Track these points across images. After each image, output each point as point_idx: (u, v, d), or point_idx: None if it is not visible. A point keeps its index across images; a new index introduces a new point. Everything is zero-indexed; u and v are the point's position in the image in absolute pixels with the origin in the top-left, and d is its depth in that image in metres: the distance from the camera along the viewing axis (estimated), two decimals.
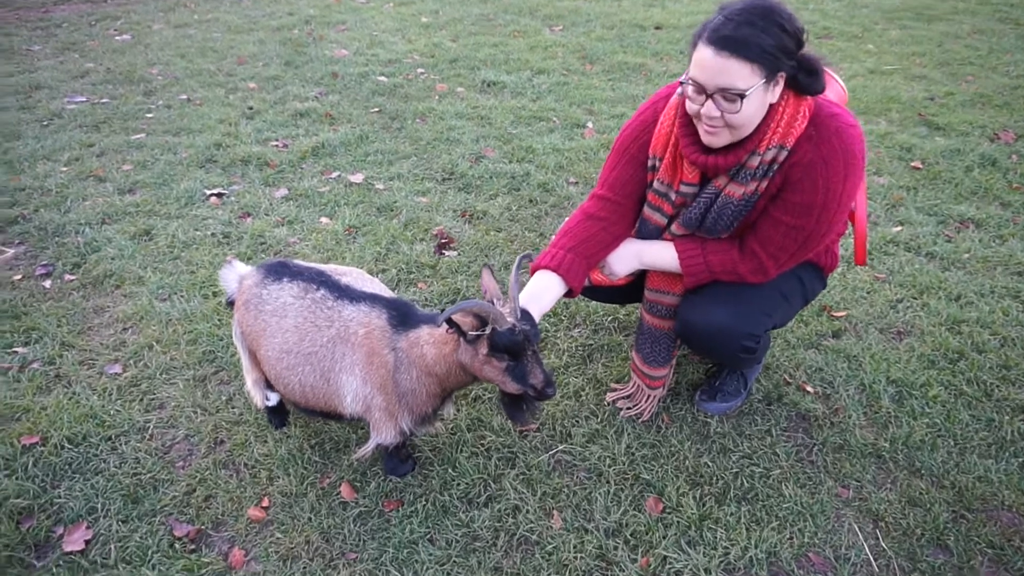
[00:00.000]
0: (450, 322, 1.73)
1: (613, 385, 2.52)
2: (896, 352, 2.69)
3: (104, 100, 5.23)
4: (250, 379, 2.25)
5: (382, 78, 5.57)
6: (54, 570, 1.94)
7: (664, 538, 2.00)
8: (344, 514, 2.09)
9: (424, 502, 2.12)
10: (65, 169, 4.20)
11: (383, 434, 2.04)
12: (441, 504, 2.11)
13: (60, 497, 2.15)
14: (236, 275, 2.22)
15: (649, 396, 2.39)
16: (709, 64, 1.68)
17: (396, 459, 2.20)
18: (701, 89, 1.73)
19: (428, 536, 2.03)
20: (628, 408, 2.41)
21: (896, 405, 2.45)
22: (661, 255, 2.07)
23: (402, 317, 1.95)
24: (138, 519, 2.09)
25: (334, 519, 2.08)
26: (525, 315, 1.79)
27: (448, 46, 6.36)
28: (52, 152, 4.40)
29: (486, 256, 3.31)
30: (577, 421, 2.40)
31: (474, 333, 1.75)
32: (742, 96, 1.68)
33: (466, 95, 5.28)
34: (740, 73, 1.67)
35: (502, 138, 4.52)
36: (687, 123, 1.89)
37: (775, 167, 1.85)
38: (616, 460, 2.24)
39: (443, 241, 3.40)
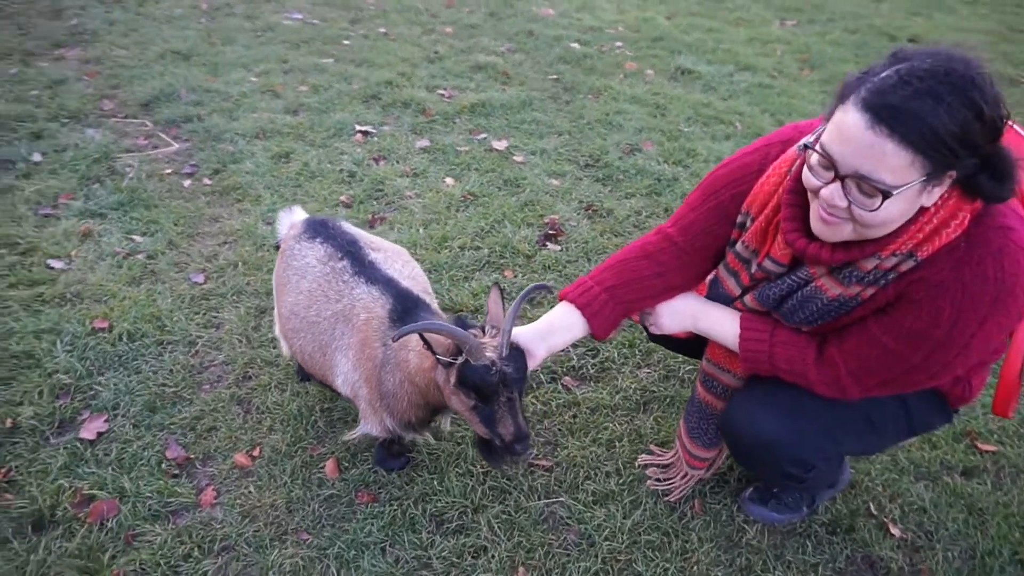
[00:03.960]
0: (423, 338, 1.53)
1: (653, 447, 2.18)
2: None
3: (315, 21, 5.53)
4: (278, 327, 2.22)
5: (575, 45, 5.32)
6: (60, 450, 2.07)
7: None
8: (317, 491, 2.01)
9: (395, 507, 1.97)
10: (254, 79, 4.50)
11: (369, 425, 1.91)
12: (410, 517, 1.95)
13: (99, 385, 2.29)
14: (290, 222, 2.18)
15: (686, 475, 2.02)
16: (855, 137, 1.19)
17: (387, 452, 2.07)
18: (831, 165, 1.26)
19: (382, 545, 1.88)
20: (658, 480, 2.07)
21: None
22: (721, 325, 1.67)
23: (405, 312, 1.78)
24: (146, 428, 2.17)
25: (306, 492, 2.00)
26: (514, 355, 1.53)
27: (659, 23, 5.92)
28: (251, 62, 4.73)
29: (588, 260, 3.02)
30: (594, 474, 2.10)
31: (447, 359, 1.53)
32: (886, 195, 1.21)
33: (653, 79, 4.87)
34: (894, 162, 1.18)
35: (668, 133, 4.11)
36: (798, 189, 1.42)
37: (892, 276, 1.37)
38: (615, 535, 1.92)
39: (551, 232, 3.16)
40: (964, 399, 1.62)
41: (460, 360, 1.50)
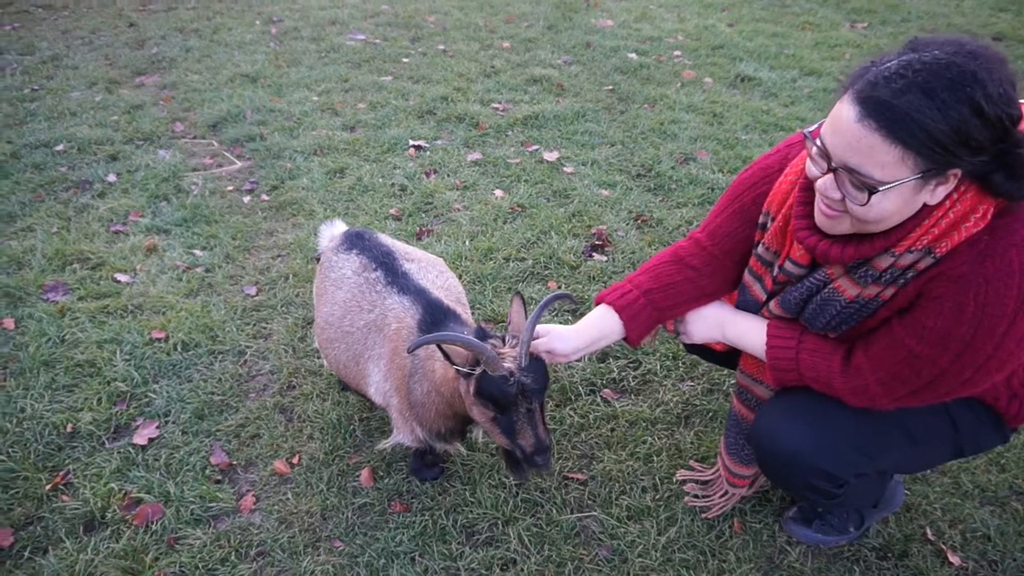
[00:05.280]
0: (441, 349, 1.52)
1: (692, 463, 2.10)
2: None
3: (376, 41, 5.68)
4: (317, 338, 2.27)
5: (632, 55, 5.26)
6: (115, 455, 2.17)
7: None
8: (351, 499, 2.03)
9: (426, 517, 1.97)
10: (316, 99, 4.65)
11: (401, 434, 1.92)
12: (440, 527, 1.95)
13: (153, 393, 2.40)
14: (330, 234, 2.23)
15: (726, 493, 1.94)
16: (846, 129, 1.16)
17: (421, 462, 2.07)
18: (826, 155, 1.22)
19: (412, 555, 1.88)
20: (696, 496, 1.99)
21: None
22: (748, 334, 1.61)
23: (434, 322, 1.78)
24: (194, 435, 2.25)
25: (341, 500, 2.03)
26: (533, 365, 1.51)
27: (720, 30, 5.79)
28: (314, 82, 4.90)
29: (634, 270, 2.95)
30: (630, 489, 2.04)
31: (465, 370, 1.52)
32: (872, 191, 1.16)
33: (711, 87, 4.76)
34: (883, 158, 1.13)
35: (724, 142, 4.00)
36: (809, 186, 1.38)
37: (911, 274, 1.30)
38: (648, 552, 1.86)
39: (597, 243, 3.12)
40: (1021, 417, 1.49)
41: (478, 371, 1.49)
